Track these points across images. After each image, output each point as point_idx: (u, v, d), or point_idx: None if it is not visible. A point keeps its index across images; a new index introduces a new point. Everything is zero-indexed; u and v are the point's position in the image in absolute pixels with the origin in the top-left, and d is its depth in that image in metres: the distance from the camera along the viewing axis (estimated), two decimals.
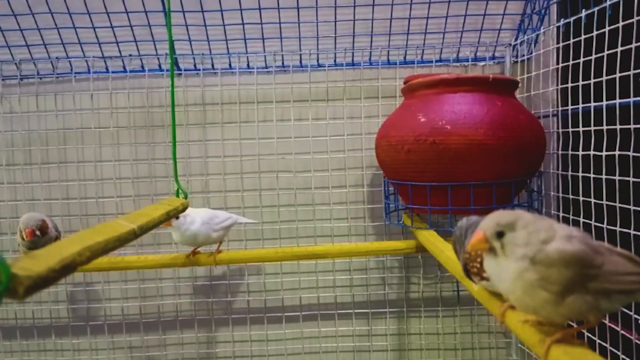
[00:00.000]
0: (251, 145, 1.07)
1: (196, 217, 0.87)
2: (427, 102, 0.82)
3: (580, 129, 0.81)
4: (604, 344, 0.76)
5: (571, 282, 0.40)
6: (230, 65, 1.07)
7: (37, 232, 0.80)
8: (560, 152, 0.89)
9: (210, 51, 1.05)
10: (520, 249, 0.41)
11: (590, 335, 0.80)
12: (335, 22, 1.01)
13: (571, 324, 0.67)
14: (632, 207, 0.69)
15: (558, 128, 0.91)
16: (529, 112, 0.84)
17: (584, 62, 0.80)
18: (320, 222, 1.09)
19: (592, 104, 0.77)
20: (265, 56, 1.06)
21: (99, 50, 1.03)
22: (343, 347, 1.11)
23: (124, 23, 0.99)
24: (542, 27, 0.98)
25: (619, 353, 0.73)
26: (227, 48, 1.05)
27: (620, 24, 0.70)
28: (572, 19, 0.84)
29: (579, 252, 0.40)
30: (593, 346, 0.78)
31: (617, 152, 0.70)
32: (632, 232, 0.69)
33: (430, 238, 0.82)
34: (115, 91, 1.06)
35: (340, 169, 1.08)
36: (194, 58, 1.06)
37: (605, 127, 0.74)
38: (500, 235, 0.42)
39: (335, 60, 1.07)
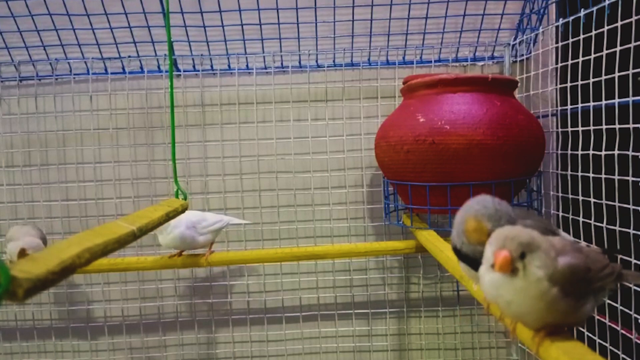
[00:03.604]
0: (250, 146, 1.07)
1: (181, 220, 0.84)
2: (426, 102, 0.82)
3: (580, 128, 0.81)
4: (604, 343, 0.76)
5: (583, 289, 0.42)
6: (229, 66, 1.07)
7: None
8: (559, 151, 0.89)
9: (209, 52, 1.05)
10: (542, 270, 0.40)
11: (590, 335, 0.80)
12: (334, 22, 1.01)
13: None
14: (631, 207, 0.69)
15: (557, 128, 0.91)
16: (528, 111, 0.84)
17: (582, 61, 0.80)
18: (319, 223, 1.09)
19: (591, 104, 0.77)
20: (264, 57, 1.06)
21: (98, 51, 1.03)
22: (343, 348, 1.11)
23: (123, 24, 0.99)
24: (541, 27, 0.98)
25: (619, 353, 0.73)
26: (226, 49, 1.05)
27: (619, 23, 0.70)
28: (571, 19, 0.84)
29: (581, 262, 0.42)
30: (593, 346, 0.78)
31: (616, 152, 0.70)
32: (631, 231, 0.69)
33: (430, 238, 0.82)
34: (114, 92, 1.06)
35: (340, 170, 1.08)
36: (193, 59, 1.06)
37: (604, 127, 0.74)
38: (522, 256, 0.40)
39: (334, 61, 1.07)
